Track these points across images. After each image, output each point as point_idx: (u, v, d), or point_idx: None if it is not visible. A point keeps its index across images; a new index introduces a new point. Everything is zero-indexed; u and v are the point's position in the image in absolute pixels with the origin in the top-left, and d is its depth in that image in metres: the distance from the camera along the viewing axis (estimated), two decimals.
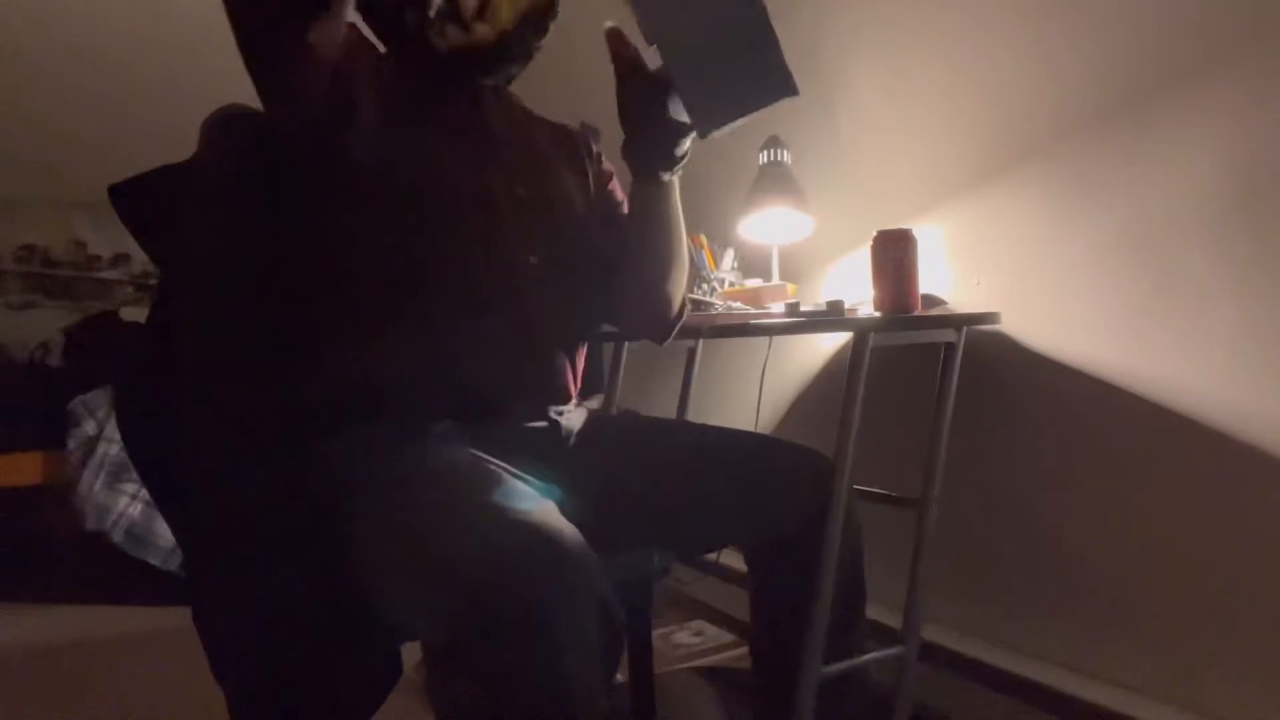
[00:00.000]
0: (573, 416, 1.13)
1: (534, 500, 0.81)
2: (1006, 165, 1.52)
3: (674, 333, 1.25)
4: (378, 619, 0.94)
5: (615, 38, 0.98)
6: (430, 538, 0.77)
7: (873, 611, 1.27)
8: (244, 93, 1.05)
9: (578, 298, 1.16)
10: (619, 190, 1.26)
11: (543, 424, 1.08)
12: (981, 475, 1.55)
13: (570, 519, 0.82)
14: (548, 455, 1.05)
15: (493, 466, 0.91)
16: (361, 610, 0.93)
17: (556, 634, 0.69)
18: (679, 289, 1.20)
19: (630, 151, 1.06)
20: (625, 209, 1.23)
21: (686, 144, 1.03)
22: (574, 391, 1.15)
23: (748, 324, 1.56)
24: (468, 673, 0.70)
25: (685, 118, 0.96)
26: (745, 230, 1.82)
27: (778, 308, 1.59)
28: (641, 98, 0.99)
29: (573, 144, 1.23)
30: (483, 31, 1.04)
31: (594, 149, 1.26)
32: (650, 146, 1.04)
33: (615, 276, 1.18)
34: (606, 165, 1.27)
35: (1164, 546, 1.33)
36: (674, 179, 1.10)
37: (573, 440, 1.11)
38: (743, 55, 0.88)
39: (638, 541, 1.15)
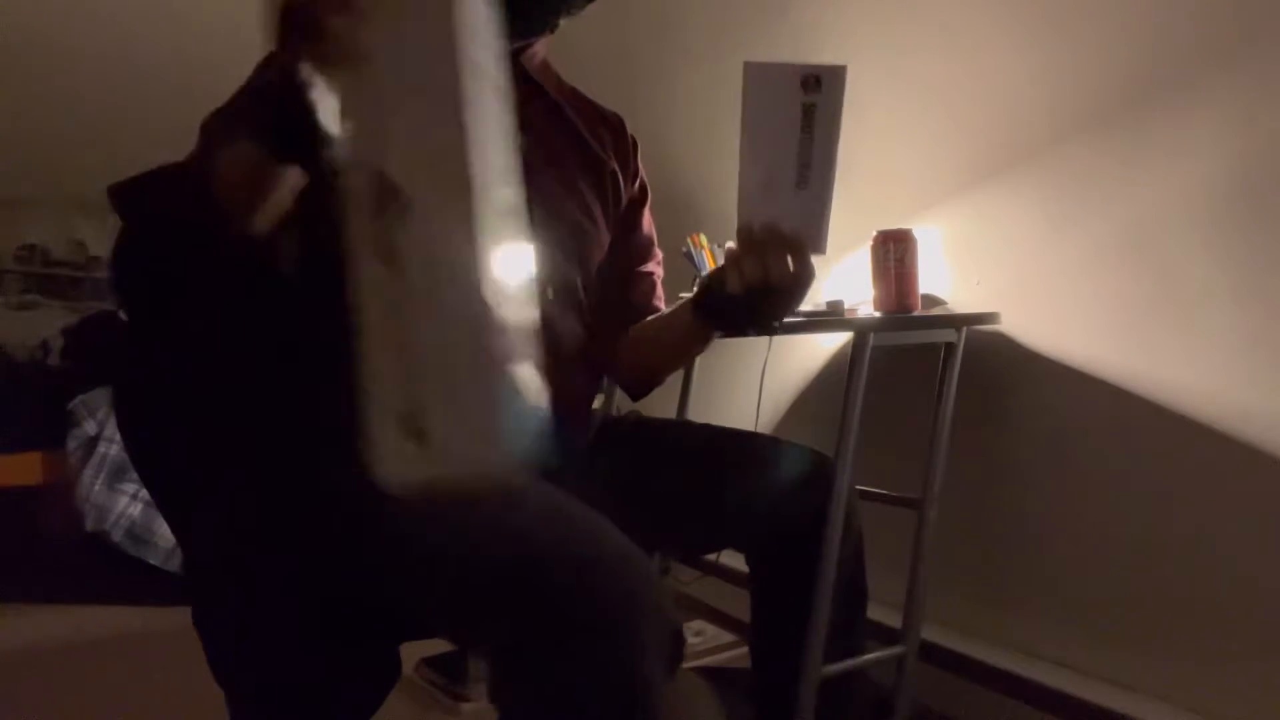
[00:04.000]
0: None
1: (591, 510, 0.81)
2: (1006, 165, 1.52)
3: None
4: (377, 620, 0.94)
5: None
6: (507, 544, 0.77)
7: (873, 611, 1.27)
8: None
9: (589, 321, 1.14)
10: (647, 218, 1.21)
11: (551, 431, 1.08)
12: (981, 475, 1.55)
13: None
14: (554, 460, 1.04)
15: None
16: (361, 611, 0.93)
17: (635, 643, 0.70)
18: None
19: (712, 312, 1.04)
20: (645, 240, 1.21)
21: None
22: (589, 411, 1.14)
23: None
24: (543, 677, 0.71)
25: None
26: None
27: None
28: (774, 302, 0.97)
29: (598, 157, 1.14)
30: None
31: (633, 165, 1.19)
32: (733, 327, 1.06)
33: (620, 331, 1.17)
34: (643, 179, 1.21)
35: (1164, 546, 1.33)
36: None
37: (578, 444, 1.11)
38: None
39: (638, 542, 1.15)
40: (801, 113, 0.90)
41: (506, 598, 0.74)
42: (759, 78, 0.89)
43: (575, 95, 1.16)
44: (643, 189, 1.20)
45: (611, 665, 0.70)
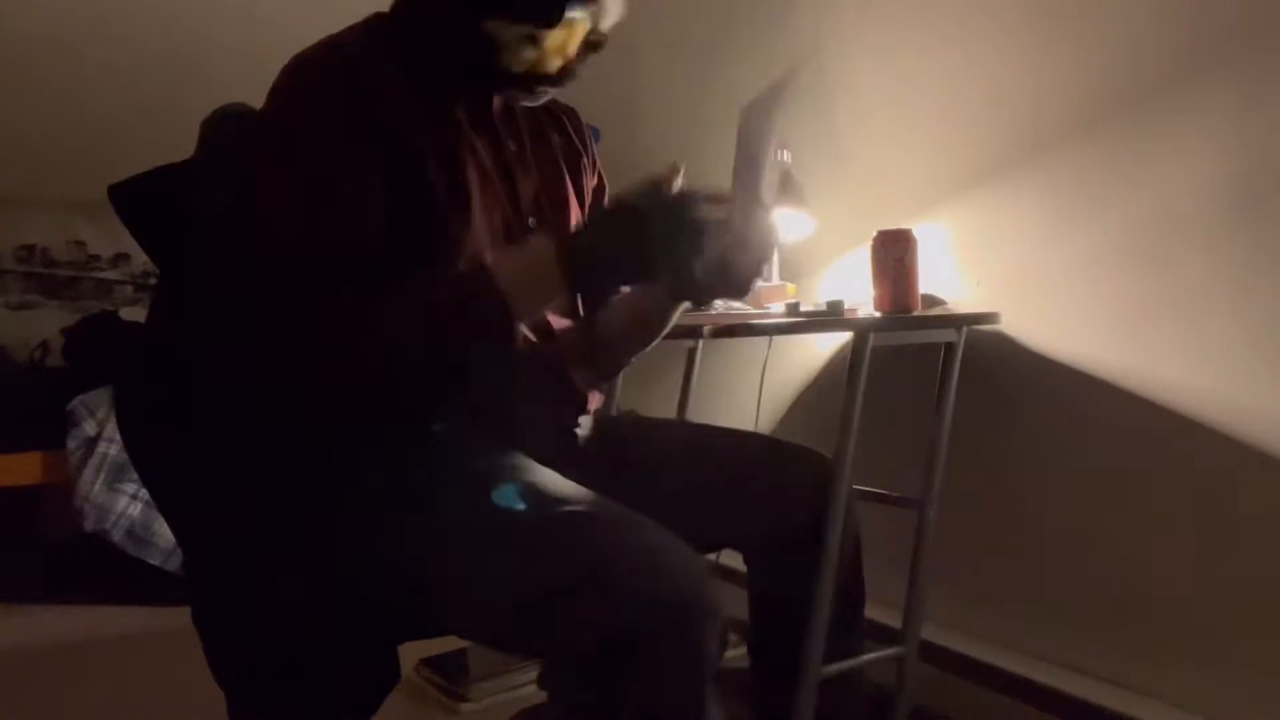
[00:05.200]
0: (583, 424, 1.12)
1: (640, 515, 0.82)
2: (1006, 165, 1.52)
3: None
4: (377, 621, 0.94)
5: None
6: (566, 556, 0.78)
7: (873, 611, 1.27)
8: (245, 93, 1.05)
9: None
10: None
11: (559, 436, 1.08)
12: (981, 475, 1.55)
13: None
14: (558, 461, 1.04)
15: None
16: (360, 612, 0.93)
17: (699, 645, 0.73)
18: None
19: (679, 285, 1.03)
20: None
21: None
22: (590, 404, 1.14)
23: (748, 324, 1.56)
24: (614, 682, 0.73)
25: None
26: None
27: (777, 308, 1.59)
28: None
29: (576, 149, 1.18)
30: (554, 65, 1.00)
31: (593, 154, 1.22)
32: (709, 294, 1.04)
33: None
34: (600, 173, 1.22)
35: (1163, 546, 1.33)
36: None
37: (580, 444, 1.11)
38: None
39: None
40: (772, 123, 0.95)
41: (570, 610, 0.75)
42: (750, 113, 0.94)
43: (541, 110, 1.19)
44: (600, 176, 1.23)
45: (678, 669, 0.72)
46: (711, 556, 1.65)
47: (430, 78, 0.99)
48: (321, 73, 0.93)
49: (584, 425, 1.12)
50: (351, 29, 1.00)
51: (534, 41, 0.97)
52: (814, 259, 1.90)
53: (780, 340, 1.90)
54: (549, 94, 1.05)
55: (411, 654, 1.77)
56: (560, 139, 1.15)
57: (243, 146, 0.95)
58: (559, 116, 1.17)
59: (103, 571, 2.46)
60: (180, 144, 1.05)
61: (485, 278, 0.86)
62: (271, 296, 0.87)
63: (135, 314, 3.08)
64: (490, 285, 0.85)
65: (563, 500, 0.85)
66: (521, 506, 0.83)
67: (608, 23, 1.03)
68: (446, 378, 0.88)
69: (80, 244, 3.40)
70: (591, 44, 1.04)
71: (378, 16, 1.02)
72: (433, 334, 0.86)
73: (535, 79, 1.01)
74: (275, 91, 0.94)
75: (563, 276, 0.85)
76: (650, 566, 0.75)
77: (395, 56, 0.97)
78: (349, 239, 0.87)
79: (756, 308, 1.65)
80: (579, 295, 0.87)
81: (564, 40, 0.99)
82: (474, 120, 1.03)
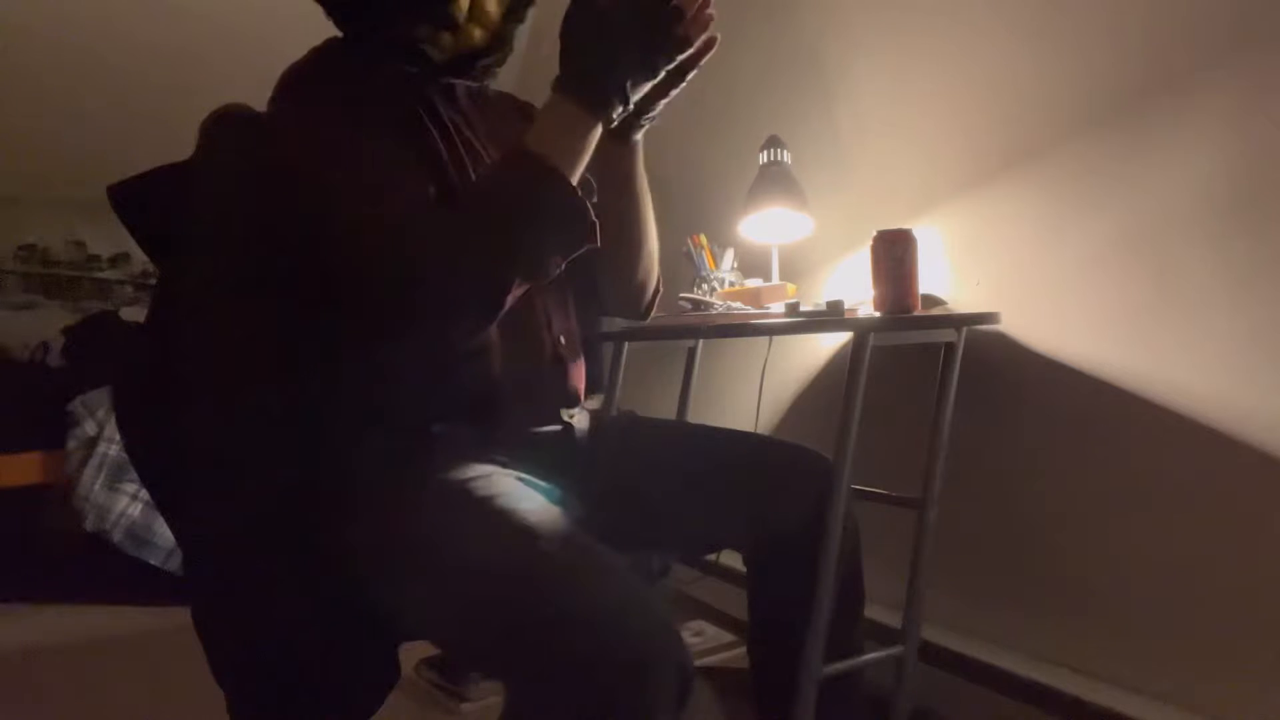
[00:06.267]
0: (580, 419, 1.12)
1: (605, 551, 0.82)
2: (1006, 166, 1.52)
3: (653, 308, 1.23)
4: (377, 621, 0.95)
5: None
6: (524, 590, 0.78)
7: (873, 611, 1.27)
8: (244, 93, 1.05)
9: (576, 296, 1.15)
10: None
11: (555, 428, 1.08)
12: (981, 475, 1.55)
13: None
14: (556, 459, 1.04)
15: (539, 496, 0.92)
16: (360, 612, 0.93)
17: (649, 690, 0.72)
18: (655, 261, 1.19)
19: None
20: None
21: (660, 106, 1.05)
22: (582, 393, 1.14)
23: (748, 324, 1.56)
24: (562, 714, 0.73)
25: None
26: (745, 230, 1.82)
27: (778, 308, 1.59)
28: None
29: None
30: (478, 35, 1.02)
31: None
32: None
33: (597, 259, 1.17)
34: None
35: (1164, 546, 1.33)
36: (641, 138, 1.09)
37: (578, 443, 1.11)
38: None
39: (638, 543, 1.15)
40: None
41: (522, 646, 0.75)
42: None
43: (508, 96, 1.21)
44: None
45: (626, 713, 0.72)
46: (712, 556, 1.66)
47: (390, 78, 1.01)
48: (321, 78, 0.98)
49: (579, 418, 1.12)
50: (324, 45, 1.03)
51: (448, 27, 1.00)
52: (814, 259, 1.90)
53: (780, 340, 1.90)
54: (490, 69, 1.07)
55: (411, 654, 1.77)
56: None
57: (265, 153, 0.96)
58: (528, 113, 1.18)
59: (103, 571, 2.46)
60: (181, 143, 1.05)
61: (515, 153, 0.88)
62: (367, 262, 0.89)
63: (135, 314, 3.08)
64: (525, 155, 0.87)
65: (539, 535, 0.84)
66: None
67: None
68: (530, 252, 0.89)
69: (80, 244, 3.40)
70: (513, 8, 1.05)
71: (336, 37, 1.05)
72: (504, 218, 0.87)
73: (468, 57, 1.03)
74: (282, 99, 0.97)
75: (574, 102, 0.87)
76: (599, 612, 0.75)
77: (365, 60, 1.01)
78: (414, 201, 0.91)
79: (756, 308, 1.65)
80: (602, 107, 0.88)
81: (475, 11, 1.01)
82: (442, 111, 1.05)
